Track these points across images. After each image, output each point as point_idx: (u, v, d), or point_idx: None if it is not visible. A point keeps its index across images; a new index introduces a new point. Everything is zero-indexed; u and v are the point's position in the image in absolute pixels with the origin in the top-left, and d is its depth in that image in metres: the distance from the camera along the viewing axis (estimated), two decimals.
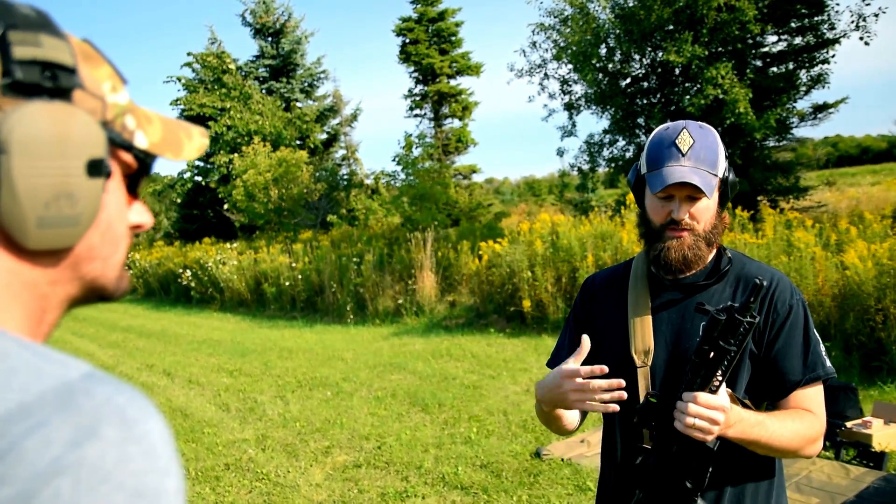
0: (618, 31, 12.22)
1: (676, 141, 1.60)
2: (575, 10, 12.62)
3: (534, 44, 13.81)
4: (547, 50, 13.76)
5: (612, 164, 13.92)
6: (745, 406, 1.54)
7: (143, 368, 9.47)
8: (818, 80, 11.94)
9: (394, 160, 14.68)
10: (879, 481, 4.13)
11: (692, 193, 1.59)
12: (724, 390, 1.43)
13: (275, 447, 5.72)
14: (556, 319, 9.37)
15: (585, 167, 14.06)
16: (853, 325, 6.57)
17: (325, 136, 23.27)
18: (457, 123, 20.82)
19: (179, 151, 0.72)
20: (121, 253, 0.70)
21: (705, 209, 1.62)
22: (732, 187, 1.68)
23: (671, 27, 11.57)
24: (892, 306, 6.31)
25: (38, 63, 0.59)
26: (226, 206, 18.86)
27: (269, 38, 23.22)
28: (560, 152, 14.60)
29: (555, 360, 1.83)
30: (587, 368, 1.51)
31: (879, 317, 6.39)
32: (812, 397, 1.62)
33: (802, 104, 12.43)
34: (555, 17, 13.24)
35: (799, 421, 1.56)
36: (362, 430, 5.98)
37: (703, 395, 1.40)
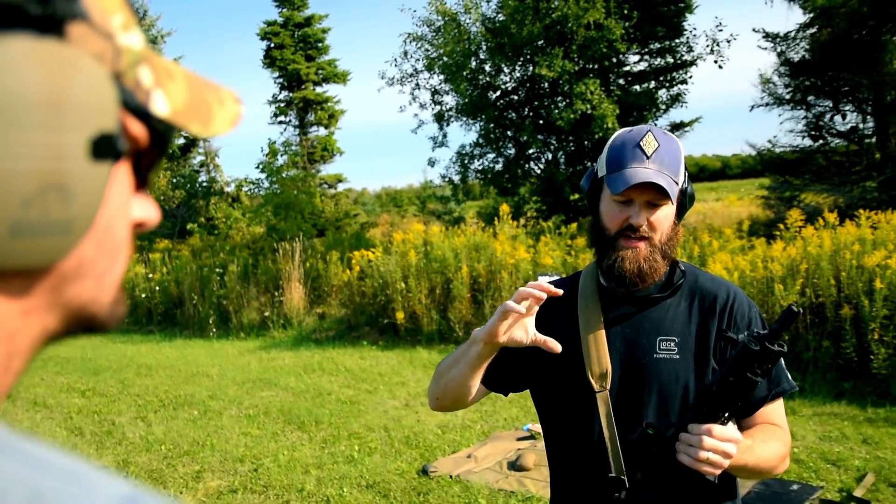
0: (489, 44, 12.36)
1: (641, 143, 1.50)
2: (447, 21, 12.66)
3: (405, 53, 13.76)
4: (419, 60, 13.75)
5: (482, 177, 14.06)
6: None
7: None
8: (676, 99, 12.57)
9: (257, 167, 14.19)
10: (759, 486, 4.26)
11: (654, 199, 1.49)
12: (731, 423, 1.36)
13: (138, 474, 5.27)
14: (431, 331, 9.27)
15: (456, 178, 14.12)
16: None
17: (182, 140, 22.26)
18: (322, 132, 20.43)
19: (209, 122, 0.49)
20: (120, 266, 0.47)
21: (665, 218, 1.53)
22: (690, 200, 1.60)
23: (542, 42, 11.82)
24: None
25: None
26: None
27: None
28: (431, 163, 14.60)
29: (490, 373, 1.61)
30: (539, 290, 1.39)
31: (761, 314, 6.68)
32: (777, 412, 1.58)
33: (662, 122, 13.03)
34: (427, 28, 13.25)
35: (775, 439, 1.51)
36: (235, 451, 5.62)
37: (717, 428, 1.31)
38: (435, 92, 13.98)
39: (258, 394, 7.41)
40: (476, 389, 1.59)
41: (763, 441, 1.47)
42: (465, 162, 13.83)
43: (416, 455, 5.27)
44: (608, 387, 1.53)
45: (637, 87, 12.74)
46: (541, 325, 1.57)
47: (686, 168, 1.58)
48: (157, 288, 13.06)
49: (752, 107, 12.27)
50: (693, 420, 1.34)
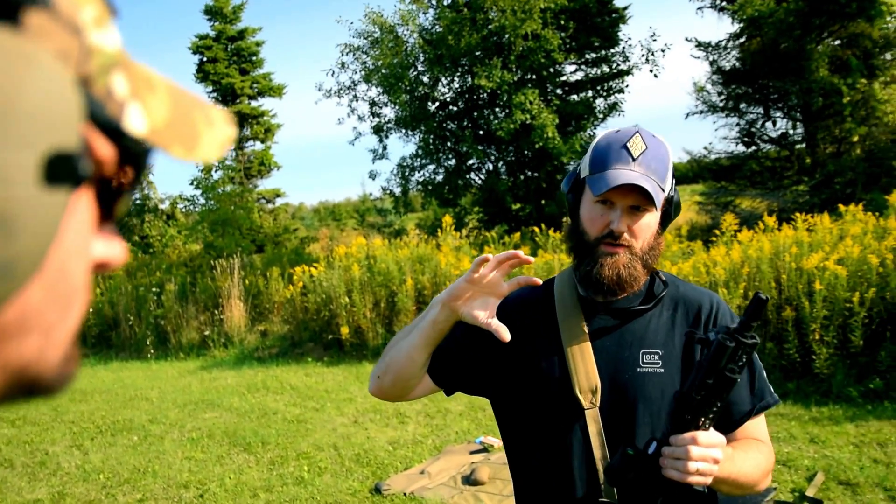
0: (427, 56, 12.33)
1: (628, 144, 1.43)
2: (384, 32, 12.59)
3: (343, 64, 13.62)
4: (356, 71, 13.64)
5: (423, 188, 13.99)
6: None
7: None
8: (613, 108, 12.74)
9: (191, 184, 13.86)
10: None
11: (637, 203, 1.41)
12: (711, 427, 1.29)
13: None
14: (376, 346, 9.13)
15: (397, 190, 14.02)
16: None
17: None
18: (259, 146, 20.10)
19: (194, 145, 0.40)
20: (74, 317, 0.37)
21: (647, 226, 1.45)
22: (676, 209, 1.52)
23: (480, 53, 11.84)
24: None
25: None
26: None
27: None
28: (372, 175, 14.47)
29: (438, 360, 1.50)
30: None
31: None
32: (760, 427, 1.51)
33: (599, 131, 13.18)
34: (364, 39, 13.15)
35: (758, 452, 1.44)
36: (179, 477, 5.40)
37: (702, 435, 1.24)
38: (373, 104, 13.89)
39: (201, 416, 7.17)
40: (422, 371, 1.47)
41: (745, 452, 1.40)
42: (406, 174, 13.75)
43: (367, 473, 5.15)
44: (598, 403, 1.44)
45: (575, 97, 12.87)
46: (515, 330, 1.44)
47: (673, 175, 1.51)
48: (91, 309, 12.60)
49: (688, 114, 12.53)
50: (674, 431, 1.27)
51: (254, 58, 19.85)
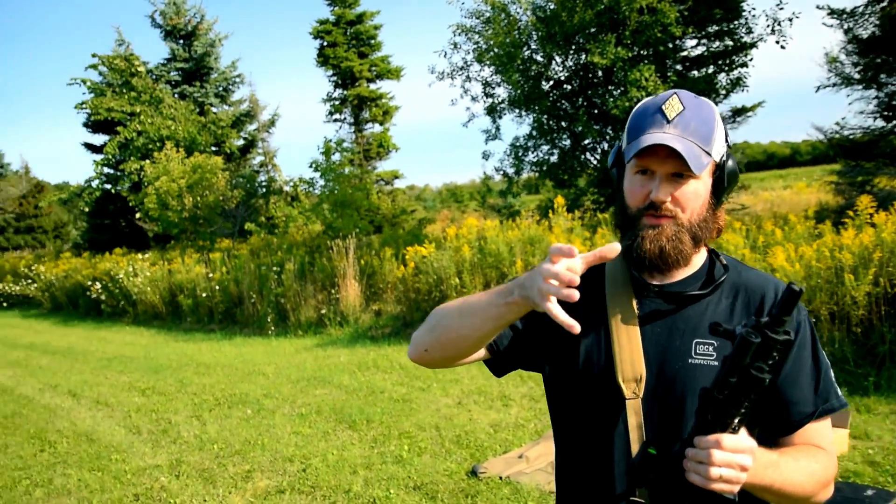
0: (540, 34, 12.10)
1: (663, 107, 1.32)
2: (496, 11, 12.45)
3: (455, 45, 13.58)
4: (468, 52, 13.56)
5: (536, 169, 13.80)
6: None
7: (46, 389, 8.80)
8: (737, 84, 12.08)
9: (310, 166, 14.21)
10: None
11: (677, 169, 1.29)
12: (743, 429, 1.14)
13: (190, 473, 5.28)
14: None
15: (511, 171, 13.90)
16: None
17: (241, 142, 22.54)
18: (377, 128, 20.45)
19: None
20: None
21: (693, 194, 1.32)
22: (731, 177, 1.37)
23: (594, 29, 11.52)
24: (822, 307, 6.28)
25: None
26: (138, 216, 18.00)
27: (181, 41, 22.34)
28: (486, 155, 14.40)
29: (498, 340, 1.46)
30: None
31: (810, 318, 6.34)
32: (823, 432, 1.35)
33: (722, 108, 12.55)
34: (476, 19, 13.06)
35: (814, 460, 1.28)
36: (285, 451, 5.58)
37: (728, 438, 1.10)
38: (486, 84, 13.77)
39: (312, 392, 7.38)
40: (478, 348, 1.39)
41: (794, 460, 1.25)
42: (520, 154, 13.59)
43: (466, 455, 5.14)
44: (641, 394, 1.33)
45: (695, 73, 12.28)
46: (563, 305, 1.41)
47: (728, 140, 1.38)
48: (218, 287, 13.22)
49: (818, 88, 11.73)
50: (698, 431, 1.14)
51: (372, 41, 20.19)
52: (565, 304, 1.45)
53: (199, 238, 16.57)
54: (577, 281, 1.12)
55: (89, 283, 16.45)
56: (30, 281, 19.67)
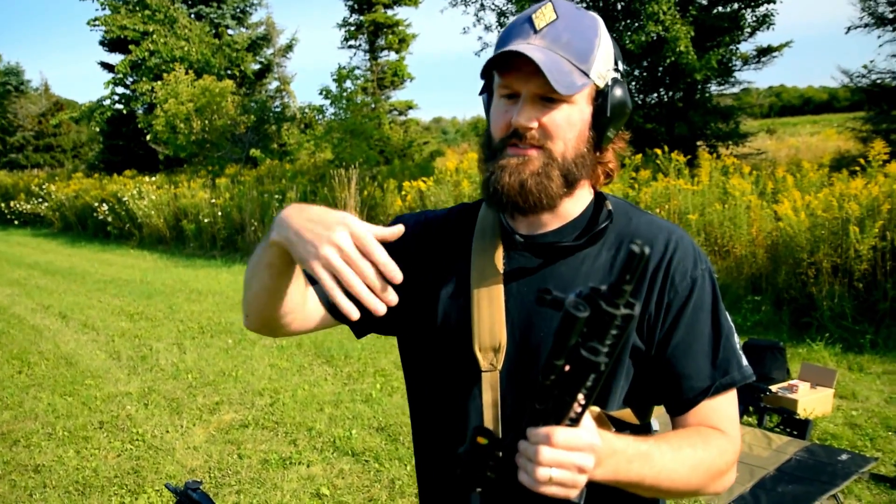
0: None
1: (533, 16, 1.06)
2: None
3: None
4: None
5: None
6: (617, 429, 1.03)
7: (38, 310, 8.77)
8: (763, 21, 11.46)
9: (320, 93, 13.87)
10: (802, 452, 3.80)
11: (543, 90, 1.03)
12: (588, 418, 0.88)
13: (159, 402, 5.19)
14: None
15: None
16: (785, 278, 6.26)
17: (257, 66, 22.13)
18: (393, 56, 19.93)
19: None
20: None
21: (564, 121, 1.05)
22: (617, 109, 1.10)
23: None
24: (825, 260, 5.99)
25: None
26: (148, 138, 17.83)
27: None
28: None
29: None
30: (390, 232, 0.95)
31: (812, 271, 6.07)
32: (723, 410, 1.10)
33: (746, 46, 11.99)
34: None
35: (702, 447, 1.04)
36: (257, 384, 5.47)
37: (560, 433, 0.85)
38: (501, 14, 13.25)
39: None
40: (294, 303, 1.14)
41: (674, 449, 1.01)
42: None
43: None
44: (499, 366, 1.11)
45: (720, 8, 11.66)
46: (428, 258, 1.19)
47: (620, 66, 1.12)
48: (220, 213, 13.08)
49: (849, 28, 11.15)
50: (531, 422, 0.88)
51: None
52: (422, 252, 1.22)
53: (208, 163, 16.39)
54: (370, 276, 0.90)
55: (97, 204, 16.38)
56: (41, 200, 19.66)
